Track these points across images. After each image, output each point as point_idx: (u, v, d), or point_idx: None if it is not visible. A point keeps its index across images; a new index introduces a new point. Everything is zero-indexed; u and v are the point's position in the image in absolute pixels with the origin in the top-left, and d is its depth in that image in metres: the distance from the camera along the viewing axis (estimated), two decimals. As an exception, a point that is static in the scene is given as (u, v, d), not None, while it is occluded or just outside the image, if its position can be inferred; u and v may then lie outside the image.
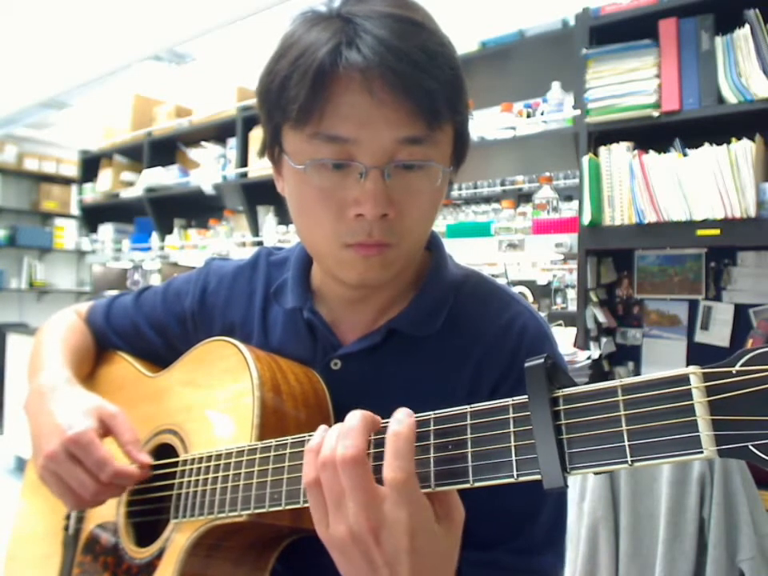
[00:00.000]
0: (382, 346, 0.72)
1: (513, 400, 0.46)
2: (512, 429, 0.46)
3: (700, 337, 2.08)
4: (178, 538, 0.68)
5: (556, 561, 0.68)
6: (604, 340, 2.12)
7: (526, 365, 0.45)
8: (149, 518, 0.77)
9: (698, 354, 2.07)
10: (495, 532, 0.65)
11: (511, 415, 0.46)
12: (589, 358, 1.98)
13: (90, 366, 0.95)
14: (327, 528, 0.49)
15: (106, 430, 0.74)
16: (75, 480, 0.70)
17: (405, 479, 0.46)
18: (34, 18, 3.58)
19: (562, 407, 0.44)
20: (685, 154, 1.82)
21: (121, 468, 0.70)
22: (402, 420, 0.49)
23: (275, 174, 0.71)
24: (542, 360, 0.44)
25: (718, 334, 2.04)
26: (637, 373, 2.19)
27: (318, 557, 0.70)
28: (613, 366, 2.19)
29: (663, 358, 2.13)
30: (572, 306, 3.19)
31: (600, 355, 2.09)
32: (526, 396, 0.45)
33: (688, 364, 0.40)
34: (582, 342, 2.04)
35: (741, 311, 2.01)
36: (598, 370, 2.07)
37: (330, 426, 0.52)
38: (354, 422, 0.50)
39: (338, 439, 0.49)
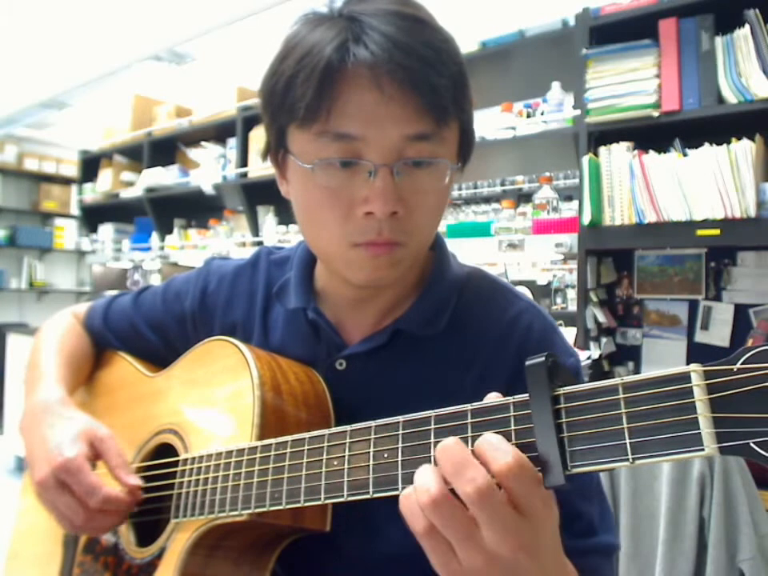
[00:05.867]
0: (388, 346, 0.72)
1: (513, 398, 0.46)
2: (513, 427, 0.46)
3: (700, 337, 2.08)
4: (179, 537, 0.68)
5: (614, 539, 0.68)
6: (604, 340, 2.12)
7: (527, 363, 0.45)
8: (149, 517, 0.77)
9: (698, 354, 2.07)
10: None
11: (512, 413, 0.46)
12: (589, 357, 1.99)
13: (89, 369, 0.95)
14: (460, 565, 0.44)
15: (95, 453, 0.74)
16: (65, 506, 0.70)
17: (484, 485, 0.43)
18: (34, 17, 3.58)
19: (563, 405, 0.44)
20: (685, 154, 1.81)
21: (111, 493, 0.69)
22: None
23: (279, 177, 0.70)
24: (543, 358, 0.44)
25: (718, 333, 2.04)
26: (637, 373, 2.18)
27: (317, 557, 0.70)
28: (613, 366, 2.19)
29: (663, 358, 2.13)
30: (572, 306, 3.19)
31: (600, 355, 2.09)
32: (527, 394, 0.45)
33: (688, 364, 0.39)
34: (581, 342, 2.04)
35: (741, 311, 2.01)
36: (597, 370, 2.07)
37: (330, 426, 0.51)
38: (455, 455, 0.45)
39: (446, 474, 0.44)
